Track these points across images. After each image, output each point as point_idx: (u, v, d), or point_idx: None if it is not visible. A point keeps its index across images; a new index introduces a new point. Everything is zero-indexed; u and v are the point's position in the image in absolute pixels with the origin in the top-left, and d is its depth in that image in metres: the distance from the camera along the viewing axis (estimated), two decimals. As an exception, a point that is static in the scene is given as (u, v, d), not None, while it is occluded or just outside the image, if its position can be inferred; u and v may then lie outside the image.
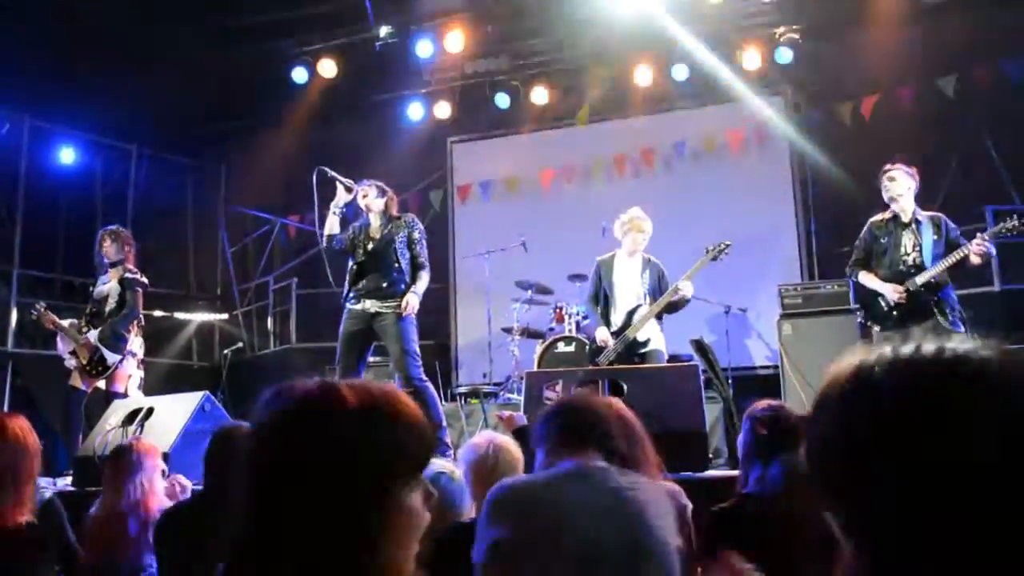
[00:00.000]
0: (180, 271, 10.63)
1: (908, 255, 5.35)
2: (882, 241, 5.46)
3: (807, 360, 6.77)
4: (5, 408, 8.39)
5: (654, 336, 5.91)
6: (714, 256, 5.98)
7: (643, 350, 5.88)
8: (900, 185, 5.36)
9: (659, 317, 5.96)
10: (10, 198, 9.20)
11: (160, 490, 3.34)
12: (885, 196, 5.43)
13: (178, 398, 5.24)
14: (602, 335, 5.95)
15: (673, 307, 5.94)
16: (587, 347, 6.89)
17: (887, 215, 5.49)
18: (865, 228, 5.63)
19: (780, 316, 7.11)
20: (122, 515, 3.21)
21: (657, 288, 5.99)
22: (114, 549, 3.24)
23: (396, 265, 5.41)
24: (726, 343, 7.64)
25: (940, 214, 5.50)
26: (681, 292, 5.81)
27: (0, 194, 9.19)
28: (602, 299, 6.13)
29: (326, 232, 5.54)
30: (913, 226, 5.40)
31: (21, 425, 2.82)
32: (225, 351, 9.06)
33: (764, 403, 2.73)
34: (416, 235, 5.53)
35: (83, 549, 3.34)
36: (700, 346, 6.96)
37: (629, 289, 6.05)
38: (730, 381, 7.06)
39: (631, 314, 5.94)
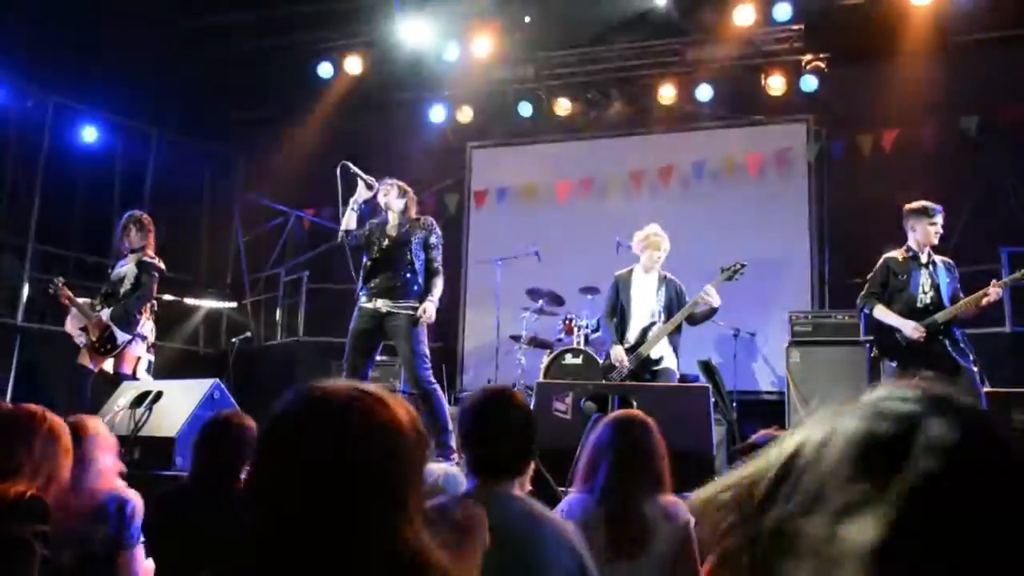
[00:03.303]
0: (192, 257, 10.65)
1: (925, 294, 5.38)
2: (900, 278, 5.47)
3: (814, 389, 6.78)
4: (11, 384, 8.43)
5: (667, 354, 5.90)
6: (729, 276, 5.97)
7: (655, 368, 5.88)
8: (939, 230, 5.42)
9: (675, 334, 5.96)
10: (30, 173, 9.24)
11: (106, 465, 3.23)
12: (929, 238, 5.42)
13: (188, 384, 5.26)
14: (617, 354, 5.92)
15: (695, 319, 5.93)
16: (598, 362, 6.90)
17: (906, 253, 5.51)
18: (881, 262, 5.63)
19: (789, 343, 7.12)
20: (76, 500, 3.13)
21: (672, 306, 5.98)
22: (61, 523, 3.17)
23: (410, 266, 5.41)
24: (733, 366, 7.64)
25: (951, 260, 5.56)
26: (707, 298, 5.74)
27: (20, 169, 9.23)
28: (618, 314, 6.12)
29: (343, 227, 5.55)
30: (930, 267, 5.44)
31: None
32: (233, 339, 9.08)
33: (765, 432, 2.74)
34: (433, 239, 5.54)
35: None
36: (707, 367, 6.99)
37: (644, 305, 6.04)
38: (734, 404, 7.07)
39: (645, 331, 5.94)
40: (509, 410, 2.23)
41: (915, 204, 5.52)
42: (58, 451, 2.79)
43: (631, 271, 6.20)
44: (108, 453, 3.21)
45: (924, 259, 5.45)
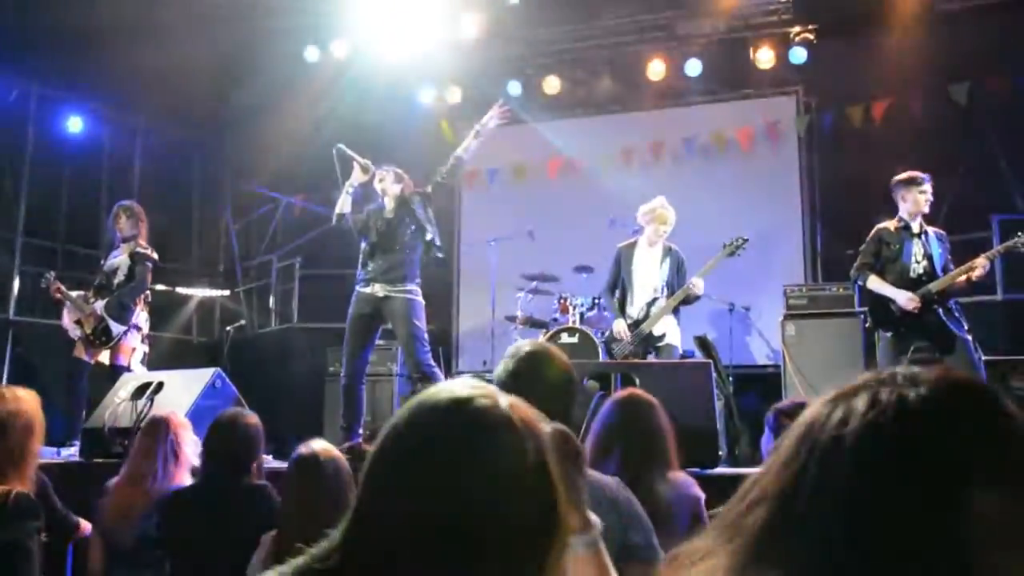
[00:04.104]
0: (183, 246, 10.60)
1: (919, 263, 5.42)
2: (893, 248, 5.50)
3: (809, 361, 6.81)
4: (4, 378, 8.39)
5: (670, 330, 5.94)
6: (731, 252, 6.02)
7: (658, 344, 5.92)
8: (929, 198, 5.45)
9: (675, 310, 6.00)
10: (16, 166, 9.15)
11: (186, 464, 3.37)
12: (919, 207, 5.46)
13: (188, 374, 5.25)
14: (619, 327, 5.99)
15: (686, 301, 5.99)
16: (594, 341, 6.93)
17: (898, 223, 5.54)
18: (873, 233, 5.67)
19: (784, 316, 7.14)
20: (146, 491, 3.24)
21: (675, 279, 6.02)
22: (129, 517, 3.26)
23: (408, 249, 5.43)
24: (729, 341, 7.67)
25: (942, 231, 5.60)
26: (693, 289, 5.84)
27: (6, 162, 9.14)
28: (620, 288, 6.15)
29: (337, 210, 5.56)
30: (922, 236, 5.47)
31: (33, 403, 2.84)
32: (227, 328, 9.06)
33: (788, 401, 2.76)
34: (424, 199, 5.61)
35: (101, 515, 3.36)
36: (703, 343, 7.03)
37: (647, 280, 6.07)
38: (731, 379, 7.11)
39: (649, 307, 5.96)
40: (546, 368, 2.11)
41: (903, 175, 5.56)
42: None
43: (634, 243, 6.21)
44: (192, 449, 3.36)
45: (916, 229, 5.49)
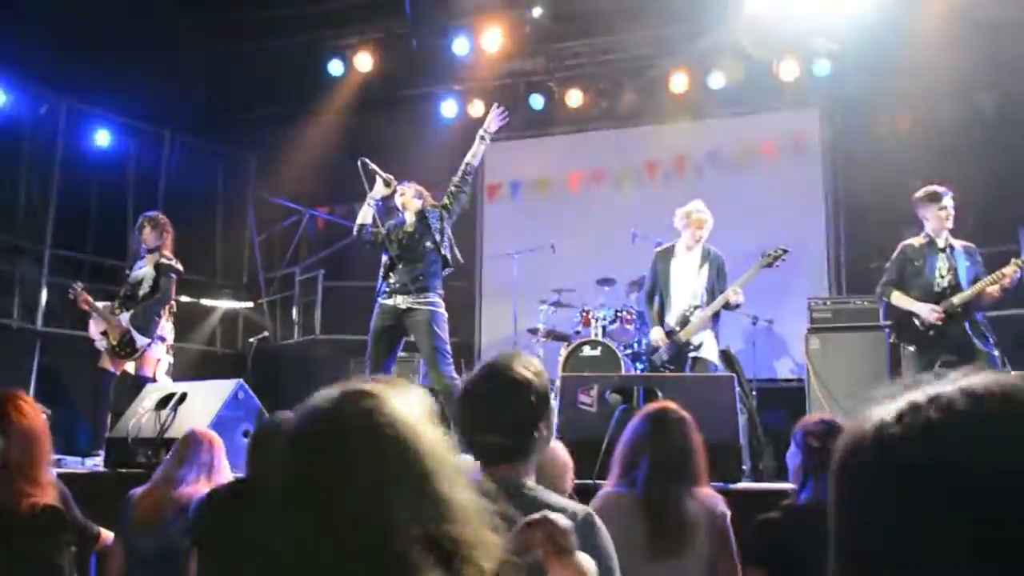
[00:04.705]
0: (207, 257, 10.68)
1: (943, 278, 5.35)
2: (915, 264, 5.46)
3: (834, 376, 6.72)
4: (32, 388, 8.47)
5: (708, 341, 5.88)
6: (769, 263, 5.95)
7: (694, 354, 5.86)
8: (950, 213, 5.39)
9: (715, 319, 5.95)
10: (45, 178, 9.28)
11: (219, 482, 3.39)
12: (941, 223, 5.39)
13: (211, 385, 5.28)
14: (656, 335, 5.94)
15: (726, 307, 5.93)
16: (616, 354, 6.89)
17: (923, 239, 5.48)
18: (897, 251, 5.62)
19: (808, 330, 7.06)
20: (172, 497, 3.26)
21: (716, 284, 5.93)
22: (153, 526, 3.28)
23: (429, 262, 5.45)
24: (752, 355, 7.60)
25: (972, 244, 5.51)
26: (733, 298, 5.79)
27: (35, 174, 9.28)
28: (658, 295, 6.06)
29: (359, 221, 5.63)
30: (947, 251, 5.40)
31: (27, 407, 2.82)
32: (250, 339, 9.10)
33: (815, 417, 2.73)
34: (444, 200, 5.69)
35: (124, 524, 3.38)
36: (727, 357, 6.95)
37: (685, 286, 5.98)
38: (754, 393, 7.04)
39: (686, 316, 5.90)
40: (503, 384, 1.84)
41: (922, 191, 5.49)
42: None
43: (672, 247, 6.14)
44: (225, 473, 3.42)
45: (941, 244, 5.42)
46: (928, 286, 5.39)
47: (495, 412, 1.83)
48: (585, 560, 1.49)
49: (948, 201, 5.39)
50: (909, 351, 5.51)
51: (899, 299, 5.46)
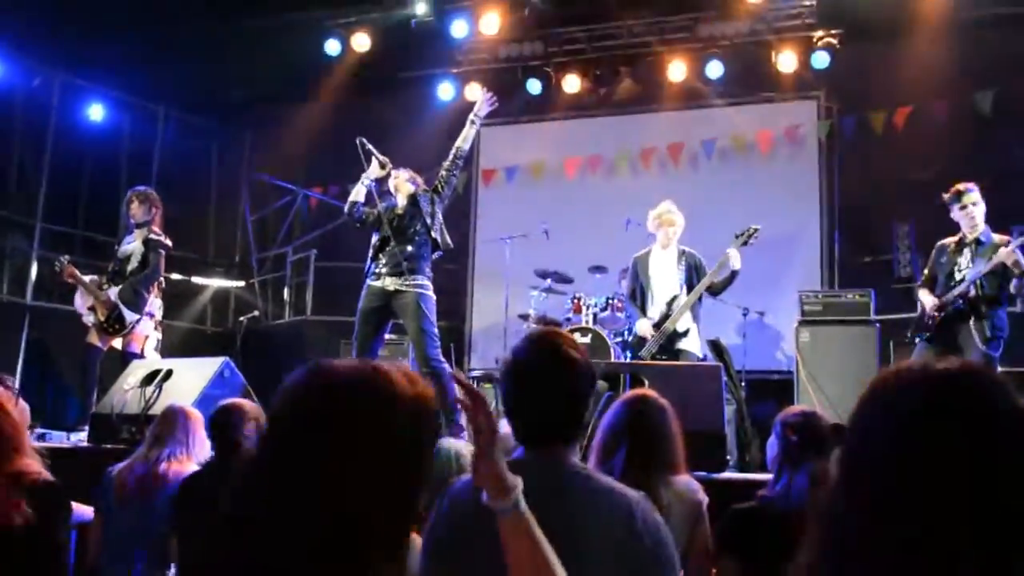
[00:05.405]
0: (200, 236, 10.65)
1: (960, 272, 5.34)
2: (942, 261, 5.48)
3: (823, 368, 6.75)
4: (20, 362, 8.45)
5: (691, 327, 5.98)
6: (744, 241, 6.01)
7: (680, 343, 5.94)
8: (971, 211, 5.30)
9: (696, 306, 6.01)
10: (37, 152, 9.23)
11: (195, 459, 3.39)
12: (968, 220, 5.32)
13: (198, 362, 5.27)
14: (643, 328, 6.03)
15: (716, 288, 6.01)
16: (607, 341, 6.89)
17: (956, 237, 5.47)
18: (935, 249, 5.61)
19: (799, 322, 7.08)
20: (152, 473, 3.26)
21: (693, 279, 6.04)
22: (131, 502, 3.28)
23: (418, 244, 5.45)
24: (742, 345, 7.60)
25: (1008, 237, 5.36)
26: (731, 261, 5.85)
27: (27, 148, 9.23)
28: (639, 295, 6.21)
29: (351, 199, 5.62)
30: (972, 246, 5.33)
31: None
32: (241, 318, 9.08)
33: (796, 409, 2.73)
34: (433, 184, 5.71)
35: (102, 500, 3.38)
36: (717, 347, 6.95)
37: (665, 283, 6.11)
38: (743, 384, 7.05)
39: (670, 304, 5.98)
40: (555, 365, 1.78)
41: (950, 191, 5.42)
42: None
43: (649, 252, 6.26)
44: (202, 445, 3.45)
45: (969, 239, 5.37)
46: (944, 283, 5.42)
47: (547, 390, 1.78)
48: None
49: (969, 198, 5.28)
50: (918, 345, 5.53)
51: (919, 294, 5.57)
